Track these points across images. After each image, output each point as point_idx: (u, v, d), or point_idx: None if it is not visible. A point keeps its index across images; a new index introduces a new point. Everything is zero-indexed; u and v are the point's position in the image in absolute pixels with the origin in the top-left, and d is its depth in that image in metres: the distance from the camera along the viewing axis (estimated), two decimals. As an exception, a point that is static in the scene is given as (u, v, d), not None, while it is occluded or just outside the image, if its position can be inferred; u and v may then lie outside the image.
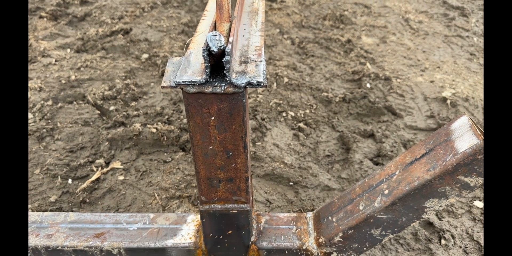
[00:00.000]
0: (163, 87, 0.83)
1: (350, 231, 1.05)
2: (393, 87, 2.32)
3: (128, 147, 1.78)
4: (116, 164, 1.67)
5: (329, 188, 1.60)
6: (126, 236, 1.14)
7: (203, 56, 0.76)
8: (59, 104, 2.09)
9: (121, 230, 1.16)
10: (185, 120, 1.94)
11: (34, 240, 1.14)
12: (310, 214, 1.19)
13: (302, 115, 2.04)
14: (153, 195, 1.54)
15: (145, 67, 2.54)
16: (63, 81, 2.32)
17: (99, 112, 2.05)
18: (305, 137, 1.90)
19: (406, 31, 3.20)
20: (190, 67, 0.85)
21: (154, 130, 1.79)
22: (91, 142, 1.83)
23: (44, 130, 1.89)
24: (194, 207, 1.50)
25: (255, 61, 0.88)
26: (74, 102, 2.13)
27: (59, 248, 1.13)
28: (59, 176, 1.63)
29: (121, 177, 1.62)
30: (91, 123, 1.97)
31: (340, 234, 1.06)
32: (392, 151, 1.75)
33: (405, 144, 1.84)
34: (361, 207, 1.04)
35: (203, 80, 0.80)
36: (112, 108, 2.07)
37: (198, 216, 1.20)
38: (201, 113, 0.86)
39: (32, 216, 1.22)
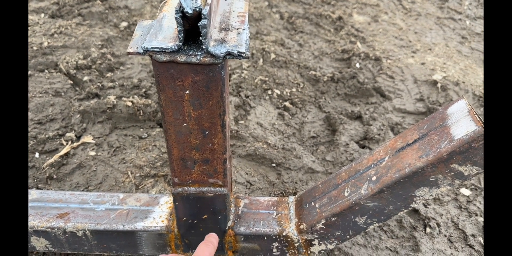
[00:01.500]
0: (129, 53, 0.72)
1: (333, 218, 0.98)
2: (383, 68, 2.24)
3: (101, 120, 1.67)
4: (87, 139, 1.56)
5: (312, 171, 1.54)
6: (92, 217, 1.05)
7: (176, 18, 0.65)
8: (29, 72, 1.94)
9: (87, 210, 1.07)
10: (164, 94, 1.83)
11: (-10, 219, 1.04)
12: (292, 199, 1.12)
13: (288, 94, 1.95)
14: (126, 173, 1.45)
15: (124, 36, 2.39)
16: (35, 48, 2.16)
17: (71, 82, 1.92)
18: (290, 117, 1.82)
19: (398, 10, 3.10)
20: (162, 32, 0.74)
21: (130, 104, 1.68)
22: (62, 114, 1.71)
23: (11, 99, 1.75)
24: (170, 187, 1.41)
25: (237, 29, 0.78)
26: (46, 71, 1.99)
27: (18, 228, 1.03)
28: (25, 150, 1.52)
29: (92, 153, 1.52)
30: (62, 93, 1.84)
31: (323, 221, 0.99)
32: (379, 134, 1.68)
33: (393, 127, 1.78)
34: (346, 194, 0.98)
35: (176, 47, 0.70)
36: (85, 78, 1.94)
37: (172, 197, 1.12)
38: (174, 86, 0.76)
39: (-10, 192, 1.11)
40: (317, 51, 2.38)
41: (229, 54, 0.70)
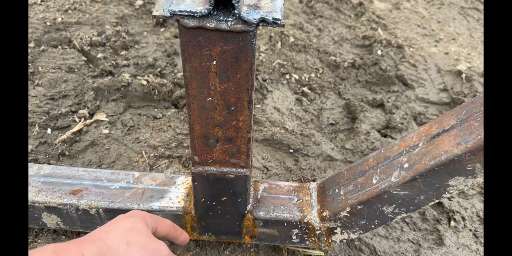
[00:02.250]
0: (154, 16, 0.66)
1: (359, 207, 0.93)
2: (405, 56, 2.16)
3: (115, 98, 1.62)
4: (100, 116, 1.52)
5: (331, 158, 1.48)
6: (106, 195, 1.01)
7: (209, -21, 0.60)
8: (42, 47, 1.89)
9: (101, 188, 1.03)
10: (179, 75, 1.78)
11: None
12: (313, 185, 1.07)
13: (307, 79, 1.89)
14: (140, 152, 1.41)
15: (139, 15, 2.33)
16: (48, 23, 2.11)
17: (85, 58, 1.87)
18: (309, 103, 1.75)
19: (421, -2, 3.00)
20: (190, -4, 0.69)
21: (145, 82, 1.62)
22: (75, 90, 1.67)
23: (24, 74, 1.71)
24: (184, 169, 1.37)
25: (271, -4, 0.72)
26: (59, 46, 1.94)
27: (29, 203, 1.00)
28: (37, 125, 1.48)
29: (106, 131, 1.47)
30: (76, 70, 1.79)
31: (348, 209, 0.94)
32: (402, 124, 1.62)
33: (416, 117, 1.71)
34: (374, 181, 0.92)
35: (205, 11, 0.64)
36: (100, 55, 1.88)
37: (189, 178, 1.08)
38: (200, 55, 0.71)
39: None
40: (337, 36, 2.30)
41: (263, 20, 0.64)
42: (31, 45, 1.91)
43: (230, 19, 0.65)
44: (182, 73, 1.80)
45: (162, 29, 2.22)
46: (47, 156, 1.36)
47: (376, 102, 1.74)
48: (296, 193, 1.04)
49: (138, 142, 1.45)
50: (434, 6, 2.92)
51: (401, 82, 1.94)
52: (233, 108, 0.77)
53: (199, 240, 1.14)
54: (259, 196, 1.03)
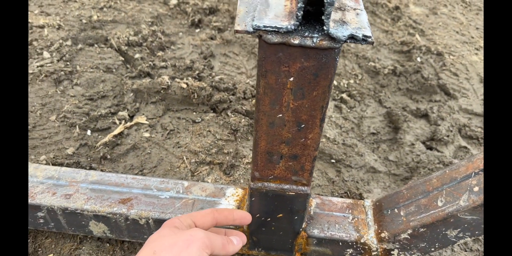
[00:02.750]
0: (237, 31, 0.63)
1: (422, 229, 0.89)
2: (446, 64, 2.10)
3: (154, 101, 1.60)
4: (141, 119, 1.50)
5: (374, 170, 1.44)
6: (156, 205, 0.99)
7: (299, -8, 0.56)
8: (79, 46, 1.88)
9: (150, 197, 1.01)
10: (217, 78, 1.75)
11: (50, 199, 0.99)
12: (368, 202, 1.03)
13: (346, 85, 1.84)
14: (181, 157, 1.38)
15: (173, 15, 2.31)
16: (84, 21, 2.10)
17: (122, 58, 1.85)
18: (349, 110, 1.71)
19: (457, 4, 2.91)
20: (271, 9, 0.65)
21: (184, 86, 1.60)
22: (114, 91, 1.65)
23: (62, 72, 1.70)
24: (225, 176, 1.34)
25: (354, 9, 0.68)
26: (96, 45, 1.93)
27: (79, 211, 0.98)
28: (77, 126, 1.47)
29: (147, 134, 1.46)
30: (113, 70, 1.77)
31: (409, 231, 0.90)
32: (448, 136, 1.56)
33: (460, 129, 1.65)
34: (440, 203, 0.88)
35: (292, 27, 0.60)
36: (137, 55, 1.87)
37: (239, 189, 1.05)
38: (278, 71, 0.67)
39: (49, 170, 1.06)
40: (375, 41, 2.24)
41: (352, 37, 0.61)
42: (68, 43, 1.91)
43: (315, 35, 0.62)
44: (219, 77, 1.77)
45: (197, 30, 2.19)
46: (88, 159, 1.35)
47: (420, 112, 1.69)
48: (350, 211, 1.01)
49: (178, 147, 1.43)
50: (471, 12, 2.84)
51: (443, 91, 1.88)
52: (303, 125, 0.74)
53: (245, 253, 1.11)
54: (312, 212, 1.00)
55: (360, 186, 1.37)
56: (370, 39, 0.61)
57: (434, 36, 2.42)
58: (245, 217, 0.84)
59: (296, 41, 0.62)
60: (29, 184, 1.02)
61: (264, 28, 0.61)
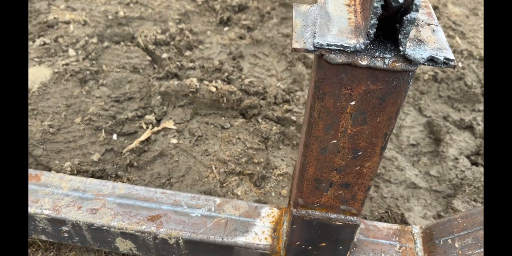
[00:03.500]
0: (295, 49, 0.55)
1: (481, 266, 0.80)
2: (489, 70, 1.96)
3: (182, 104, 1.53)
4: (168, 124, 1.44)
5: (415, 186, 1.34)
6: (187, 224, 0.92)
7: (374, 7, 0.48)
8: (105, 43, 1.83)
9: (181, 214, 0.95)
10: (246, 81, 1.67)
11: (75, 214, 0.93)
12: (416, 229, 0.94)
13: (382, 91, 1.74)
14: (209, 166, 1.32)
15: (201, 12, 2.23)
16: (110, 17, 2.04)
17: (149, 58, 1.79)
18: (386, 118, 1.61)
19: (500, 3, 2.74)
20: (333, 22, 0.57)
21: (214, 89, 1.53)
22: (140, 92, 1.59)
23: (88, 72, 1.65)
24: (256, 188, 1.27)
25: (429, 24, 0.59)
26: (122, 43, 1.87)
27: (105, 227, 0.92)
28: (103, 130, 1.41)
29: (174, 140, 1.39)
30: (140, 70, 1.71)
31: (466, 267, 0.81)
32: (495, 151, 1.45)
33: (507, 142, 1.53)
34: (504, 239, 0.78)
35: (361, 46, 0.52)
36: (164, 55, 1.80)
37: (274, 209, 0.97)
38: (338, 94, 0.59)
39: (74, 181, 1.01)
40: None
41: (431, 60, 0.52)
42: (94, 40, 1.85)
43: (388, 55, 0.53)
44: (249, 79, 1.70)
45: (225, 28, 2.11)
46: (115, 167, 1.29)
47: (463, 123, 1.58)
48: (397, 238, 0.92)
49: (207, 155, 1.36)
50: (514, 12, 2.67)
51: (488, 100, 1.75)
52: (360, 153, 0.66)
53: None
54: (355, 239, 0.91)
55: (400, 203, 1.28)
56: (452, 63, 0.52)
57: (476, 39, 2.27)
58: None
59: (365, 62, 0.54)
60: (54, 196, 0.97)
61: (327, 47, 0.53)
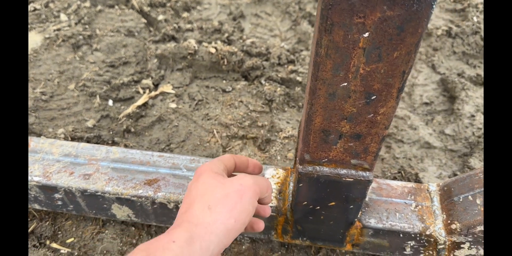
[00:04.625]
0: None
1: (507, 223, 0.73)
2: (507, 24, 1.83)
3: (181, 68, 1.45)
4: (166, 88, 1.36)
5: (429, 146, 1.27)
6: (187, 187, 0.86)
7: None
8: (99, 7, 1.73)
9: (180, 178, 0.88)
10: (248, 42, 1.57)
11: (67, 180, 0.88)
12: (433, 187, 0.87)
13: (393, 49, 1.63)
14: (211, 131, 1.25)
15: (199, -28, 2.09)
16: (103, -20, 1.92)
17: (145, 21, 1.69)
18: (397, 77, 1.51)
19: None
20: None
21: (213, 51, 1.43)
22: (136, 57, 1.51)
23: (81, 37, 1.56)
24: (260, 152, 1.20)
25: None
26: (116, 6, 1.77)
27: (99, 193, 0.87)
28: (97, 95, 1.34)
29: (173, 105, 1.32)
30: (136, 33, 1.62)
31: (489, 224, 0.74)
32: (515, 107, 1.35)
33: (528, 98, 1.44)
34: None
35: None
36: (160, 17, 1.70)
37: (279, 170, 0.91)
38: (349, 24, 0.50)
39: (66, 146, 0.95)
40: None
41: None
42: (86, 4, 1.75)
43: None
44: (251, 40, 1.59)
45: (225, -12, 1.99)
46: (111, 133, 1.23)
47: (480, 79, 1.48)
48: (413, 197, 0.85)
49: (208, 119, 1.29)
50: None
51: (506, 55, 1.64)
52: (374, 97, 0.57)
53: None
54: (367, 199, 0.85)
55: (414, 163, 1.21)
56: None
57: (492, -8, 2.12)
58: (258, 166, 0.72)
59: (379, -20, 0.45)
60: (45, 162, 0.91)
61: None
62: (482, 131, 1.29)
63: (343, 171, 0.70)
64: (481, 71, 1.53)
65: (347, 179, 0.70)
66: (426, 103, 1.43)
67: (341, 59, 0.54)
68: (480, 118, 1.33)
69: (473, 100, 1.40)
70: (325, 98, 0.59)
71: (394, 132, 1.28)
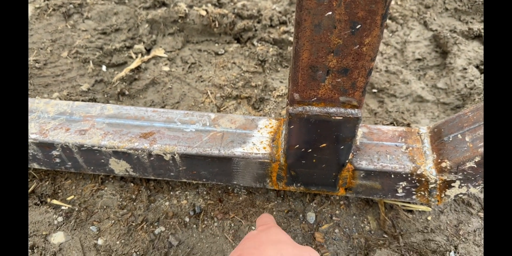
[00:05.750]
0: None
1: (494, 157, 0.75)
2: (500, -20, 1.81)
3: (172, 32, 1.44)
4: (159, 52, 1.36)
5: (421, 99, 1.28)
6: (182, 139, 0.88)
7: None
8: (86, -24, 1.70)
9: (175, 130, 0.90)
10: (239, 4, 1.56)
11: (63, 136, 0.89)
12: (424, 130, 0.89)
13: (385, 8, 1.62)
14: (205, 92, 1.25)
15: None
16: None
17: (134, -12, 1.67)
18: (390, 35, 1.51)
19: None
20: None
21: (204, 13, 1.43)
22: (127, 23, 1.50)
23: (71, 5, 1.55)
24: (255, 111, 1.21)
25: None
26: (104, -24, 1.74)
27: (96, 147, 0.88)
28: (91, 61, 1.34)
29: (166, 68, 1.32)
30: (126, 1, 1.60)
31: (477, 159, 0.76)
32: (507, 58, 1.36)
33: (521, 51, 1.44)
34: (519, 125, 0.72)
35: None
36: (150, -16, 1.68)
37: (272, 120, 0.92)
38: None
39: (60, 105, 0.96)
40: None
41: None
42: (74, -26, 1.73)
43: None
44: (242, 3, 1.58)
45: (213, -46, 1.95)
46: (105, 96, 1.24)
47: (472, 33, 1.47)
48: (403, 140, 0.87)
49: (201, 81, 1.30)
50: None
51: (499, 10, 1.63)
52: (359, 25, 0.58)
53: (280, 190, 1.01)
54: (358, 143, 0.87)
55: (406, 116, 1.22)
56: None
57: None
58: None
59: None
60: (40, 120, 0.92)
61: None
62: (474, 83, 1.29)
63: (332, 110, 0.71)
64: (473, 26, 1.52)
65: (337, 117, 0.72)
66: (419, 59, 1.43)
67: (323, -15, 0.54)
68: (472, 71, 1.33)
69: (465, 54, 1.40)
70: (311, 30, 0.60)
71: (387, 87, 1.29)
